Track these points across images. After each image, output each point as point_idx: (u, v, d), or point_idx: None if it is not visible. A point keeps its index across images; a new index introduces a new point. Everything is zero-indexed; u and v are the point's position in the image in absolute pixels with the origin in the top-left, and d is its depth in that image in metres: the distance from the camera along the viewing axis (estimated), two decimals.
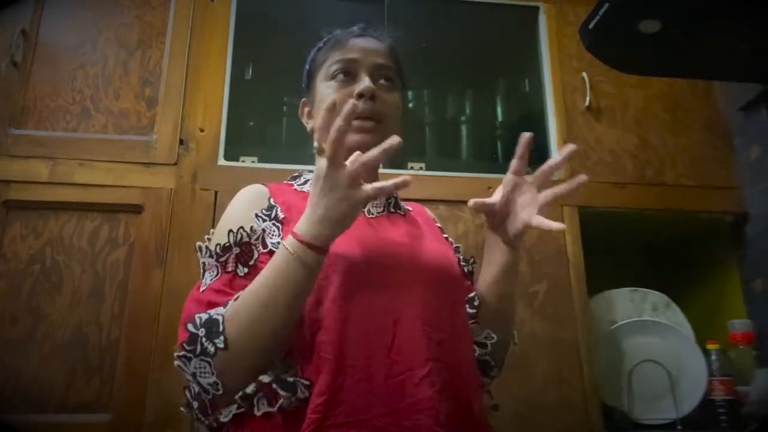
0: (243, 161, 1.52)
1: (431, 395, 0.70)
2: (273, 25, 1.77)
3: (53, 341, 1.31)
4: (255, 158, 1.53)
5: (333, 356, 0.70)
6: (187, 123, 1.51)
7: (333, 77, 0.88)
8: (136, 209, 1.42)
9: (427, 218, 0.98)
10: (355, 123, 0.83)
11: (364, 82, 0.86)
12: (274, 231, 0.79)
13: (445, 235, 0.98)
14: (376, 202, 0.88)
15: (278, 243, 0.77)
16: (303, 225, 0.70)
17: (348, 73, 0.88)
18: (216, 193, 1.45)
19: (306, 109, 0.96)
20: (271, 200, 0.83)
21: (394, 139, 0.69)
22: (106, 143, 1.47)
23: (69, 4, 1.59)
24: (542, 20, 1.76)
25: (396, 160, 1.58)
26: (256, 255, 0.78)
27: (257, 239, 0.79)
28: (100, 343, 1.32)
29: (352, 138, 0.83)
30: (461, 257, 0.96)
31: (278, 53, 1.76)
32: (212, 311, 0.71)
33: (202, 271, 0.79)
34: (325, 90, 0.88)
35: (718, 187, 1.66)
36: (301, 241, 0.69)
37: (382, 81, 0.89)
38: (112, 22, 1.58)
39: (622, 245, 1.86)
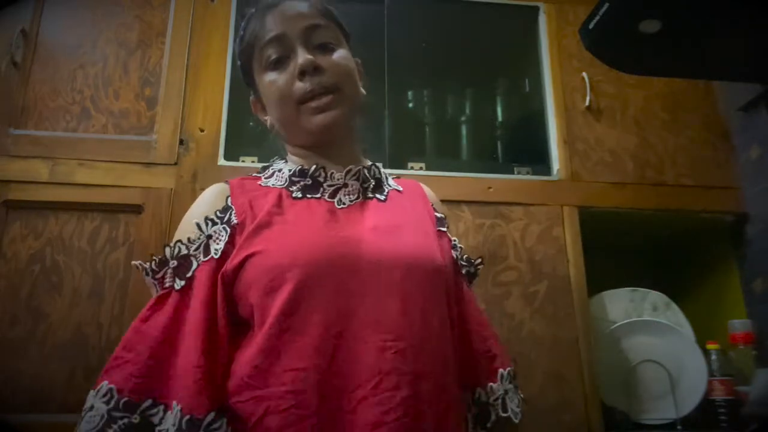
0: (243, 161, 1.52)
1: (376, 417, 0.64)
2: None
3: (53, 341, 1.31)
4: (255, 158, 1.53)
5: (257, 384, 0.66)
6: (187, 123, 1.51)
7: (268, 66, 0.80)
8: (136, 209, 1.42)
9: (418, 201, 0.87)
10: (312, 104, 0.77)
11: (301, 56, 0.77)
12: (221, 236, 0.74)
13: (443, 228, 0.86)
14: (349, 188, 0.80)
15: (220, 249, 0.73)
16: None
17: (281, 54, 0.79)
18: None
19: (258, 105, 0.89)
20: (229, 200, 0.78)
21: None
22: (106, 143, 1.47)
23: (69, 4, 1.58)
24: (542, 20, 1.76)
25: (397, 160, 1.58)
26: (194, 265, 0.73)
27: (197, 249, 0.74)
28: (100, 343, 1.32)
29: (317, 119, 0.77)
30: (462, 255, 0.87)
31: None
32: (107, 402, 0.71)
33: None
34: (267, 81, 0.80)
35: (718, 187, 1.66)
36: None
37: (320, 44, 0.80)
38: (112, 22, 1.58)
39: (622, 245, 1.86)
